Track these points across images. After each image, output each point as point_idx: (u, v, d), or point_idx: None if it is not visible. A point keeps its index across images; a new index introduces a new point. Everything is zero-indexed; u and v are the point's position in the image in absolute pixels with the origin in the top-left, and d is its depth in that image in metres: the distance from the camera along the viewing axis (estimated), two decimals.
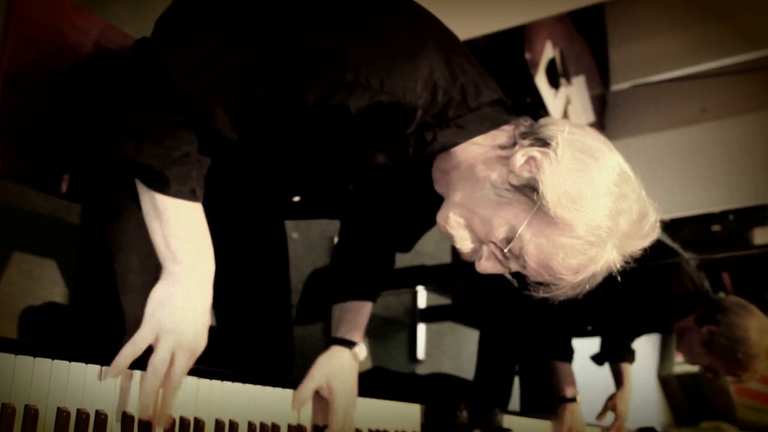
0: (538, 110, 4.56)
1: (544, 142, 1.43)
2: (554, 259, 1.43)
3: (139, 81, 1.36)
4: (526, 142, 1.46)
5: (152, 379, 1.32)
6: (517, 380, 3.42)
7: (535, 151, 1.43)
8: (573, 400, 2.88)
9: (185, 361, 1.36)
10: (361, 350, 1.88)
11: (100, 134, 1.46)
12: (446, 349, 4.77)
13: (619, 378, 3.31)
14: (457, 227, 1.52)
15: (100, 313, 1.63)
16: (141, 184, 1.40)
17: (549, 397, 2.99)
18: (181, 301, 1.37)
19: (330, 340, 1.89)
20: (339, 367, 1.81)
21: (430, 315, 4.55)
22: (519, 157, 1.44)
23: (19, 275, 2.42)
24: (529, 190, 1.42)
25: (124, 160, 1.37)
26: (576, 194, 1.38)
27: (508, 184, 1.44)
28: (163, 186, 1.37)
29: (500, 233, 1.46)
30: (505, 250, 1.47)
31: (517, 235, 1.44)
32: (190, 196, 1.40)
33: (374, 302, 1.98)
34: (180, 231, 1.39)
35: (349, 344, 1.87)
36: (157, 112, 1.36)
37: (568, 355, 2.98)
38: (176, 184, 1.37)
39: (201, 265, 1.42)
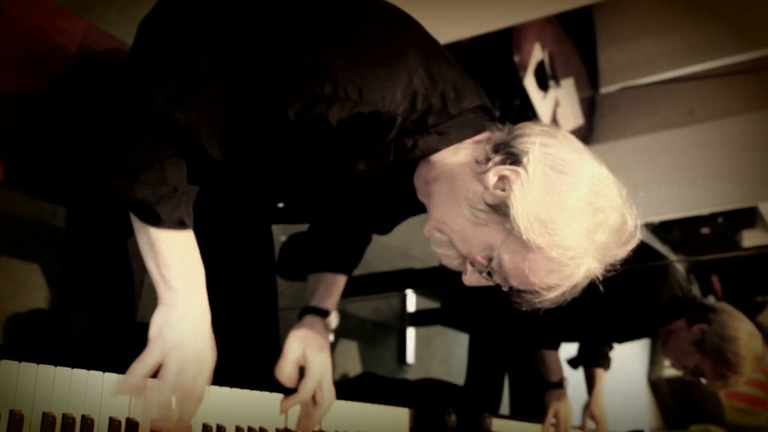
0: (527, 113, 4.57)
1: (515, 159, 1.43)
2: (532, 278, 1.43)
3: (125, 112, 1.37)
4: (498, 158, 1.45)
5: (162, 394, 1.37)
6: (506, 384, 3.43)
7: (506, 170, 1.42)
8: (559, 385, 2.89)
9: (192, 373, 1.41)
10: (332, 319, 1.90)
11: (83, 153, 1.49)
12: (435, 352, 4.77)
13: (591, 383, 3.33)
14: (440, 245, 1.53)
15: (86, 318, 1.63)
16: (135, 218, 1.44)
17: (539, 399, 3.00)
18: (181, 320, 1.42)
19: (302, 310, 1.93)
20: (312, 336, 1.84)
21: (419, 319, 4.55)
22: (491, 177, 1.44)
23: (5, 279, 2.41)
24: (503, 209, 1.41)
25: (117, 197, 1.40)
26: (547, 218, 1.38)
27: (483, 203, 1.44)
28: (154, 220, 1.41)
29: (479, 252, 1.47)
30: (483, 272, 1.48)
31: (494, 254, 1.45)
32: (179, 226, 1.44)
33: (349, 276, 2.01)
34: (171, 260, 1.43)
35: (321, 313, 1.91)
36: (144, 147, 1.38)
37: (554, 343, 2.99)
38: (166, 218, 1.41)
39: (192, 290, 1.46)
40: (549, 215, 1.38)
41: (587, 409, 3.25)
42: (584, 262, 1.42)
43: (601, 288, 1.47)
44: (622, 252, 1.46)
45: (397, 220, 1.98)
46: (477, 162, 1.49)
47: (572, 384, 3.37)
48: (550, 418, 2.87)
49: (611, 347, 3.39)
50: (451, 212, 1.49)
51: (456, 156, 1.51)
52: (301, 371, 1.78)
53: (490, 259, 1.46)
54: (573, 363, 3.43)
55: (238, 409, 1.56)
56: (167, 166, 1.41)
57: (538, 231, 1.38)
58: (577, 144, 1.48)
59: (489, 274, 1.49)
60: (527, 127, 1.49)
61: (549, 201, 1.39)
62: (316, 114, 1.37)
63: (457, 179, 1.50)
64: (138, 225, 1.44)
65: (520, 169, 1.41)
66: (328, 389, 1.80)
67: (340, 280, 1.99)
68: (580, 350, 3.42)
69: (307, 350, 1.80)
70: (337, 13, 1.49)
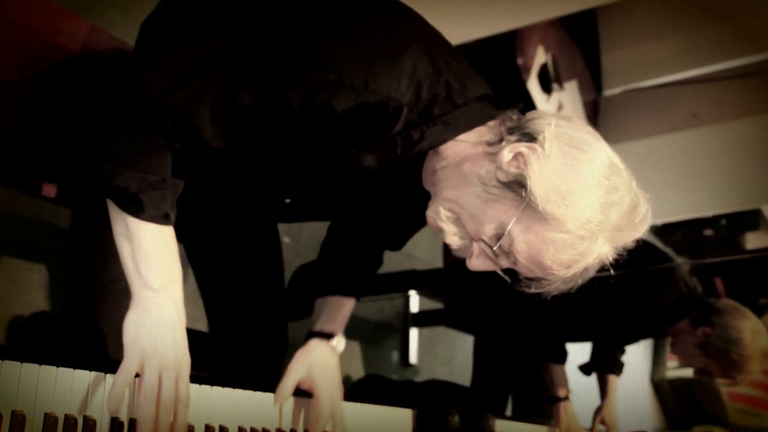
0: None
1: (531, 137, 1.42)
2: (545, 255, 1.41)
3: (120, 98, 1.35)
4: (513, 137, 1.45)
5: (145, 407, 1.31)
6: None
7: (522, 147, 1.41)
8: (566, 399, 2.93)
9: (172, 382, 1.35)
10: (339, 342, 1.88)
11: (79, 148, 1.44)
12: (438, 353, 4.76)
13: (604, 389, 3.34)
14: (447, 221, 1.51)
15: (91, 318, 1.62)
16: (114, 206, 1.39)
17: (541, 401, 3.03)
18: (157, 324, 1.37)
19: (308, 334, 1.88)
20: (318, 358, 1.80)
21: (423, 319, 4.55)
22: (506, 153, 1.43)
23: (6, 280, 2.41)
24: (517, 186, 1.40)
25: (100, 182, 1.36)
26: (565, 189, 1.37)
27: (496, 181, 1.43)
28: (137, 210, 1.37)
29: (489, 230, 1.45)
30: (495, 248, 1.45)
31: (506, 231, 1.43)
32: (163, 220, 1.40)
33: (357, 300, 1.97)
34: (150, 255, 1.39)
35: (327, 336, 1.87)
36: (134, 134, 1.35)
37: (561, 357, 3.02)
38: (150, 209, 1.37)
39: (169, 288, 1.40)
40: (567, 187, 1.37)
41: (599, 414, 3.28)
42: (598, 240, 1.41)
43: (612, 272, 1.46)
44: (634, 235, 1.45)
45: (407, 232, 1.97)
46: (489, 144, 1.48)
47: (583, 387, 3.38)
48: None
49: (623, 351, 3.40)
50: (462, 190, 1.48)
51: (464, 143, 1.51)
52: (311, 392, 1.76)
53: (499, 238, 1.44)
54: (585, 369, 3.43)
55: (241, 410, 1.56)
56: (156, 156, 1.38)
57: (555, 202, 1.37)
58: (591, 129, 1.48)
59: (496, 255, 1.47)
60: (539, 112, 1.50)
61: (566, 173, 1.38)
62: (321, 102, 1.36)
63: (468, 161, 1.49)
64: (116, 215, 1.39)
65: (536, 146, 1.40)
66: (339, 411, 1.77)
67: (347, 304, 1.95)
68: (593, 356, 3.43)
69: (315, 373, 1.77)
70: (341, 5, 1.49)
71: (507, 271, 1.51)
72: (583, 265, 1.43)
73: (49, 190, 1.73)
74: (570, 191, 1.37)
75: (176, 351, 1.37)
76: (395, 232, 1.98)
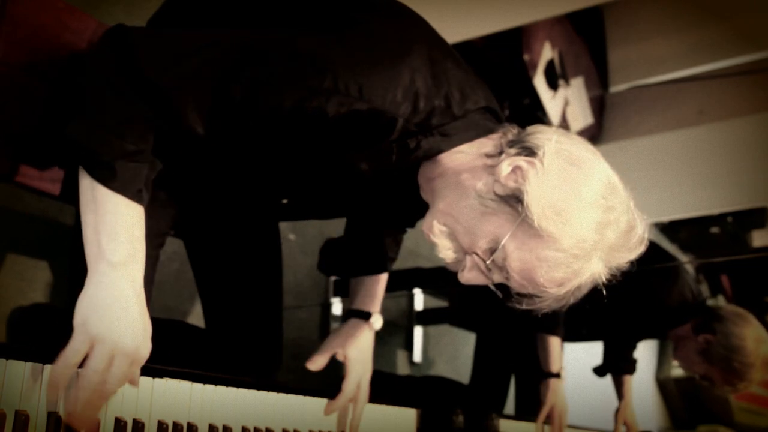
0: (536, 112, 4.56)
1: (530, 152, 1.41)
2: (538, 272, 1.40)
3: (112, 66, 1.31)
4: (513, 150, 1.43)
5: (84, 391, 1.21)
6: (512, 384, 3.43)
7: (521, 161, 1.40)
8: (557, 375, 2.89)
9: (125, 368, 1.24)
10: (377, 320, 1.95)
11: (60, 112, 1.39)
12: (442, 351, 4.76)
13: (620, 390, 3.33)
14: (441, 236, 1.51)
15: None
16: (84, 175, 1.30)
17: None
18: (109, 303, 1.24)
19: (347, 313, 1.99)
20: (354, 336, 1.91)
21: (427, 317, 4.55)
22: (505, 167, 1.42)
23: (11, 277, 2.41)
24: (514, 200, 1.40)
25: (74, 142, 1.28)
26: (562, 207, 1.36)
27: (493, 194, 1.43)
28: (107, 178, 1.28)
29: (483, 244, 1.44)
30: (488, 262, 1.45)
31: (500, 246, 1.42)
32: (135, 196, 1.32)
33: (388, 270, 2.05)
34: (114, 228, 1.28)
35: (365, 315, 1.95)
36: (120, 101, 1.30)
37: (555, 328, 2.97)
38: (122, 179, 1.29)
39: (130, 265, 1.29)
40: (563, 204, 1.36)
41: (619, 414, 3.28)
42: (592, 260, 1.40)
43: (605, 293, 1.44)
44: (629, 257, 1.44)
45: (416, 214, 1.97)
46: (488, 156, 1.47)
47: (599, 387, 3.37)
48: (545, 414, 2.85)
49: (635, 347, 3.39)
50: (458, 203, 1.47)
51: (462, 153, 1.50)
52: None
53: (493, 252, 1.44)
54: (599, 371, 3.43)
55: (243, 410, 1.56)
56: (138, 128, 1.31)
57: (551, 219, 1.36)
58: (591, 147, 1.47)
59: (489, 270, 1.47)
60: (540, 127, 1.49)
61: (564, 191, 1.37)
62: (314, 107, 1.35)
63: (465, 172, 1.48)
64: (86, 183, 1.30)
65: (535, 160, 1.39)
66: (365, 389, 1.87)
67: (380, 280, 2.01)
68: (605, 357, 3.42)
69: (348, 350, 1.86)
70: (343, 8, 1.48)
71: (498, 286, 1.51)
72: (575, 283, 1.42)
73: (54, 187, 1.73)
74: (567, 209, 1.36)
75: (133, 335, 1.25)
76: (401, 214, 1.99)
